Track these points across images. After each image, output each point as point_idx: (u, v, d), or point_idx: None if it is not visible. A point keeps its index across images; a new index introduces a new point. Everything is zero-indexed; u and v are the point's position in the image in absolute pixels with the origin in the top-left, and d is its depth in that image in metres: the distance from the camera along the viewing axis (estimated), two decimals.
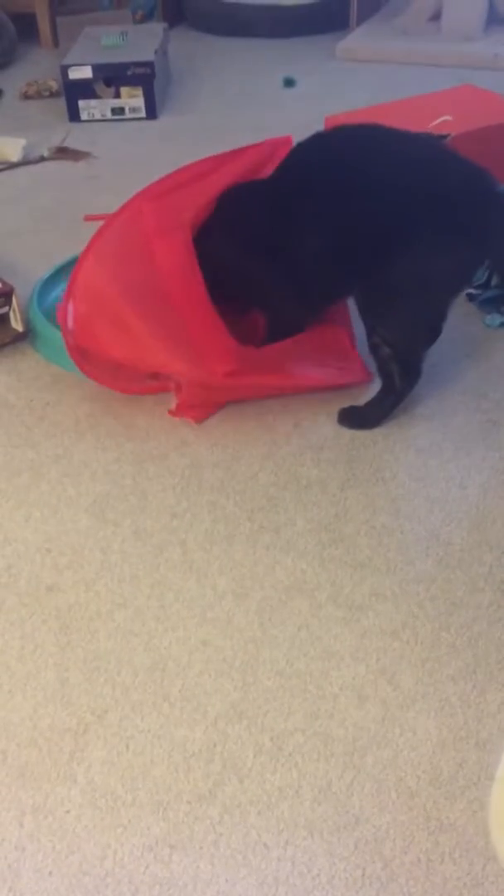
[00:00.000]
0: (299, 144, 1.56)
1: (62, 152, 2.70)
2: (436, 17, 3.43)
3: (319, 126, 2.40)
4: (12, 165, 2.63)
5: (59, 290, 1.92)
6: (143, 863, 0.99)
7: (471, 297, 1.87)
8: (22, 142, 2.66)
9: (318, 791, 1.05)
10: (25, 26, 3.54)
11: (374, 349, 1.56)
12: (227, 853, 1.00)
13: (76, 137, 2.78)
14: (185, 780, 1.07)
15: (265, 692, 1.16)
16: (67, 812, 1.04)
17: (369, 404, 1.59)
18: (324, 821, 1.02)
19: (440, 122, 2.30)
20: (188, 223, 1.52)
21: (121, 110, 2.93)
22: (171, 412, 1.60)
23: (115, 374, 1.62)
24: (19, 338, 1.83)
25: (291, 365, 1.64)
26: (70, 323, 1.54)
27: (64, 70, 2.90)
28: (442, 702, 1.14)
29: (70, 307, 1.53)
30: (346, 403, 1.61)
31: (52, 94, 3.10)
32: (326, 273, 1.53)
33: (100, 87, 2.91)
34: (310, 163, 1.55)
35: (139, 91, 2.90)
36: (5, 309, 1.82)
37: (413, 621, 1.24)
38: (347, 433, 1.57)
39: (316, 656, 1.20)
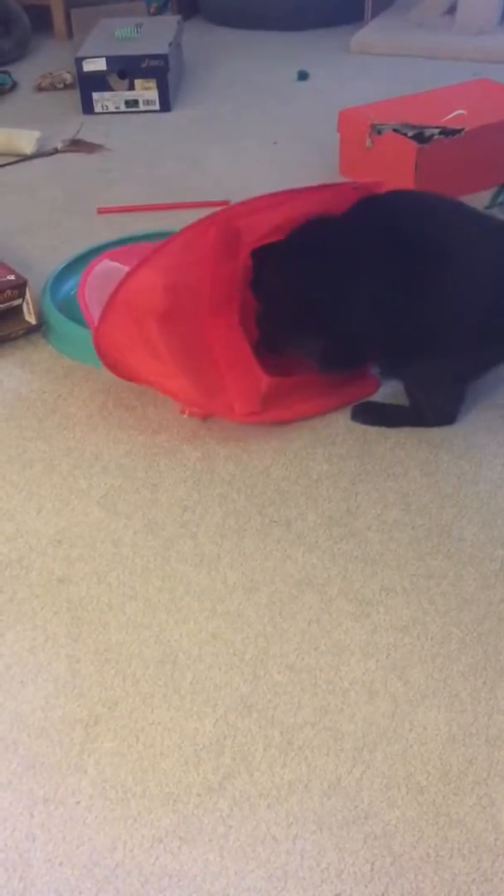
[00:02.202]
0: (380, 196, 1.55)
1: (76, 145, 2.70)
2: (450, 10, 3.41)
3: (333, 119, 2.42)
4: (26, 158, 2.63)
5: (71, 283, 1.92)
6: (152, 854, 1.00)
7: None
8: (36, 134, 2.66)
9: (327, 785, 1.05)
10: (39, 18, 3.54)
11: (409, 393, 1.57)
12: (236, 846, 1.00)
13: (90, 130, 2.78)
14: (194, 772, 1.07)
15: (275, 686, 1.16)
16: (78, 803, 1.05)
17: (389, 407, 1.59)
18: (333, 815, 1.03)
19: (454, 116, 2.29)
20: (246, 250, 1.49)
21: (134, 103, 2.93)
22: (181, 411, 1.60)
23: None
24: (32, 330, 1.83)
25: (310, 395, 1.60)
26: (98, 324, 1.51)
27: (78, 62, 2.90)
28: (452, 698, 1.14)
29: (106, 310, 1.49)
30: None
31: (66, 87, 3.10)
32: (376, 332, 1.50)
33: (113, 80, 2.91)
34: (387, 218, 1.50)
35: (153, 83, 2.90)
36: (18, 301, 1.82)
37: (423, 617, 1.24)
38: (359, 428, 1.57)
39: (326, 651, 1.21)
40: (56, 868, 0.99)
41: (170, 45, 2.96)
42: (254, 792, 1.05)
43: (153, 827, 1.02)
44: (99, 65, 2.89)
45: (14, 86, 3.16)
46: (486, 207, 2.23)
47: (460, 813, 1.02)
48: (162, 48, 2.92)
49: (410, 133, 2.23)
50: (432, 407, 1.55)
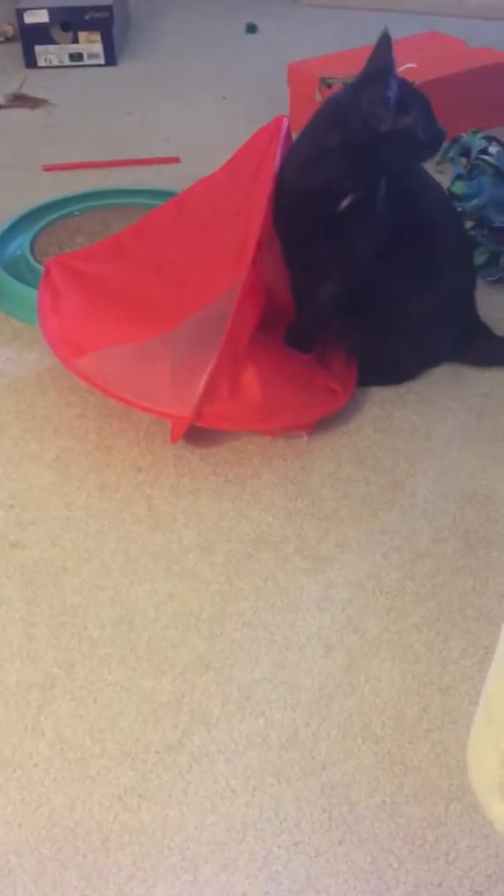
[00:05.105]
0: None
1: (19, 100, 2.63)
2: None
3: (282, 73, 2.38)
4: None
5: (18, 242, 1.88)
6: (112, 812, 1.00)
7: None
8: None
9: (285, 739, 1.07)
10: None
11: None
12: (195, 801, 1.01)
13: (33, 84, 2.70)
14: (153, 730, 1.08)
15: (232, 643, 1.17)
16: (35, 765, 1.05)
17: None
18: (291, 767, 1.04)
19: (405, 70, 2.26)
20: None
21: (79, 56, 2.85)
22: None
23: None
24: None
25: (283, 412, 1.45)
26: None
27: (19, 14, 2.81)
28: (406, 649, 1.16)
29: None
30: None
31: (8, 40, 3.00)
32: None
33: (56, 32, 2.83)
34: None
35: (97, 36, 2.82)
36: None
37: (378, 571, 1.26)
38: None
39: (282, 607, 1.21)
40: (15, 829, 0.99)
41: None
42: (212, 748, 1.06)
43: (112, 785, 1.03)
44: (41, 16, 2.81)
45: None
46: (438, 162, 2.22)
47: (415, 760, 1.04)
48: None
49: None
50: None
